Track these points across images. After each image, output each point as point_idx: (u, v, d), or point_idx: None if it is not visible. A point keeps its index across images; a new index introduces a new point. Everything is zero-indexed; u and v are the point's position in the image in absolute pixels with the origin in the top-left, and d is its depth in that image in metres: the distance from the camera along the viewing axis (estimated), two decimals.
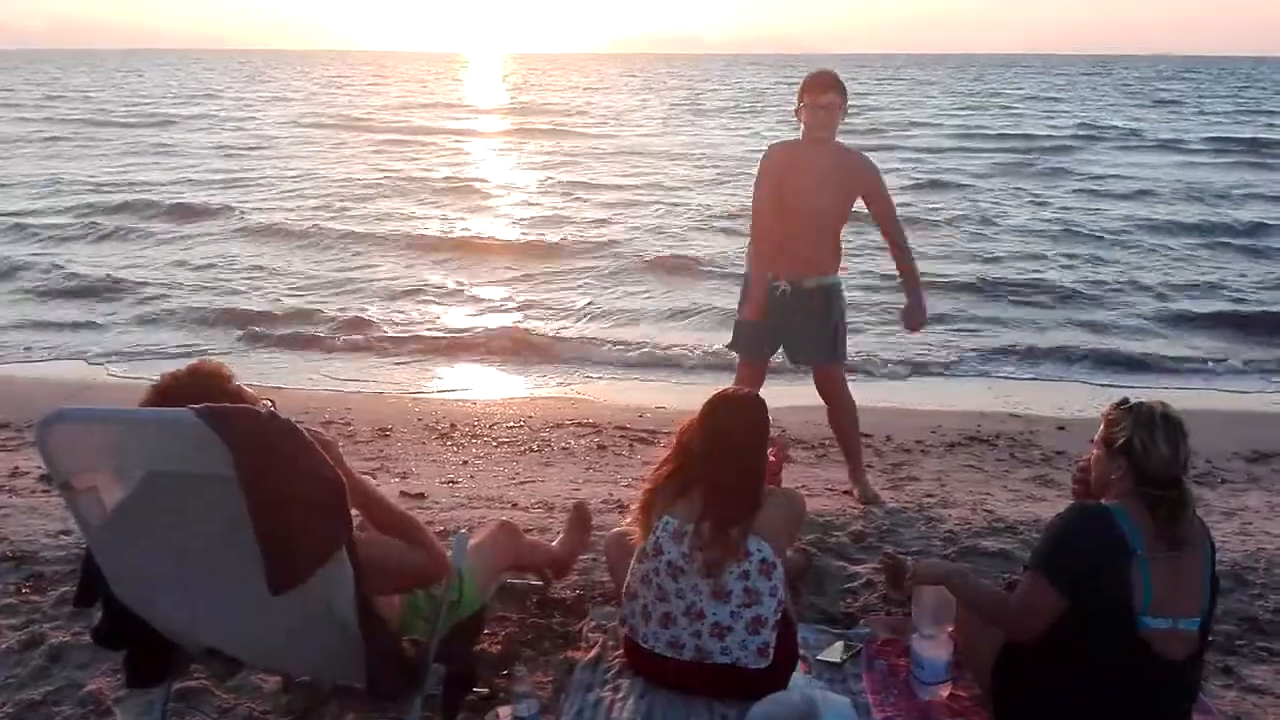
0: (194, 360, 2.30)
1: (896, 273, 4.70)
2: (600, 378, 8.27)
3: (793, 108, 4.53)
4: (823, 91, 4.33)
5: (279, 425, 2.00)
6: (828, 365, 4.65)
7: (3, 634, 3.23)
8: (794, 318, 4.47)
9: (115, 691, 2.90)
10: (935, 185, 19.54)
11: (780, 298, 4.44)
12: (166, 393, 2.15)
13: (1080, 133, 30.45)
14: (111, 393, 7.29)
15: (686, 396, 7.26)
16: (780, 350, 4.67)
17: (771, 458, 4.09)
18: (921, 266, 4.83)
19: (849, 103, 4.46)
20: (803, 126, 4.41)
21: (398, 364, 8.62)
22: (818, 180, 4.35)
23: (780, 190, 4.43)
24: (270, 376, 7.89)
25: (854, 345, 6.80)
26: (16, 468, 5.24)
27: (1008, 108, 44.00)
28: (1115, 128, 32.37)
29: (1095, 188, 19.37)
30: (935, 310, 8.22)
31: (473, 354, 8.89)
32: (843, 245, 4.64)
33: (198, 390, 2.10)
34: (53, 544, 3.95)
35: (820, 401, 4.78)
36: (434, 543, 2.44)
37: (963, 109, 43.10)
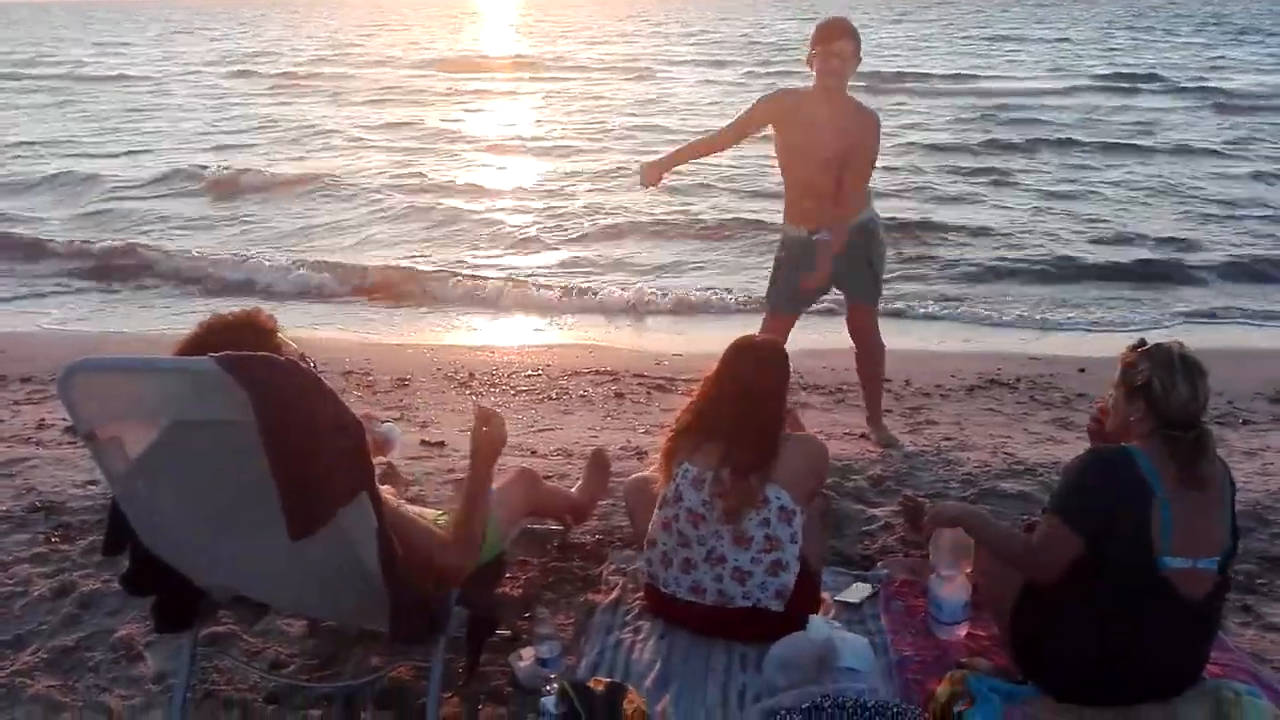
0: (247, 308, 2.31)
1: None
2: (617, 325, 8.32)
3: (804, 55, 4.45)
4: (835, 39, 4.22)
5: (299, 373, 2.01)
6: (863, 303, 4.65)
7: (34, 582, 3.29)
8: (839, 264, 4.41)
9: (145, 637, 2.96)
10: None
11: (824, 249, 4.40)
12: (207, 337, 2.16)
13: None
14: (134, 344, 7.34)
15: (704, 344, 7.26)
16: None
17: None
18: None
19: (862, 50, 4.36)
20: (815, 75, 4.34)
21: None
22: (833, 128, 4.27)
23: (789, 139, 4.40)
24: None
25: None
26: (43, 420, 5.31)
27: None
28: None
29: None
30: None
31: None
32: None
33: (237, 338, 2.10)
34: (80, 494, 4.01)
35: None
36: (465, 542, 2.44)
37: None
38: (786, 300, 4.61)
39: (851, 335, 4.76)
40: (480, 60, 37.69)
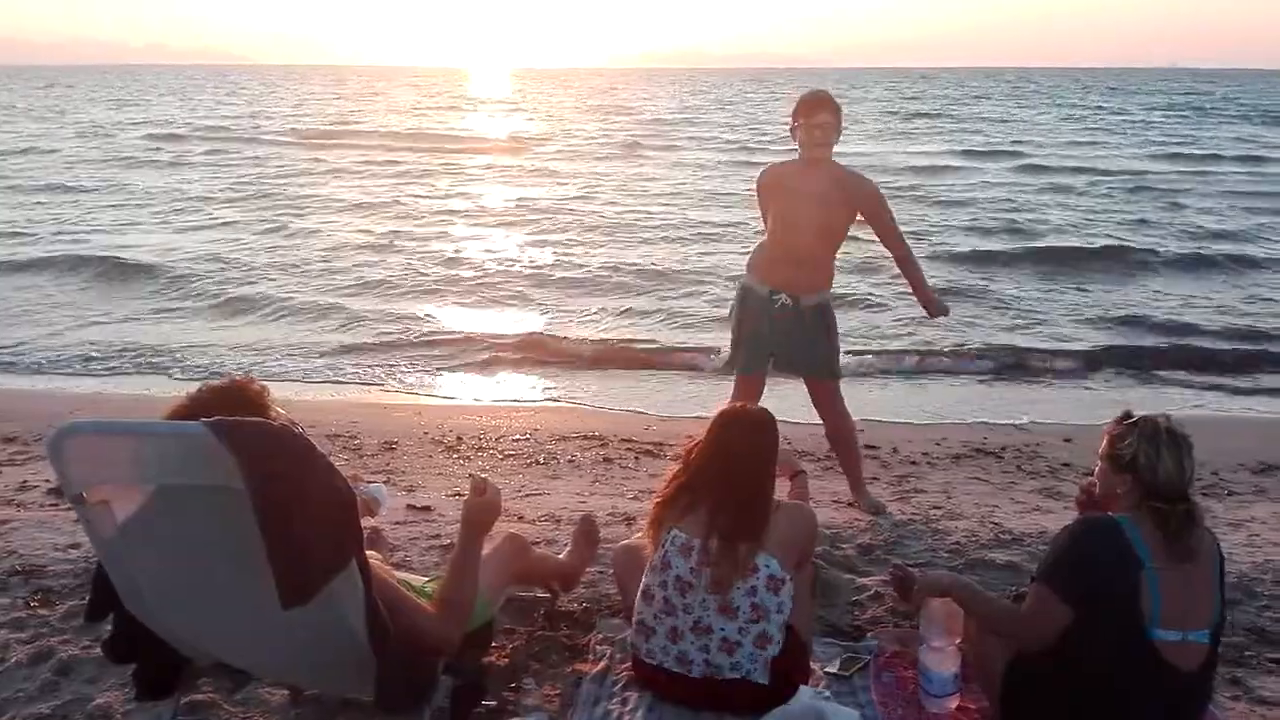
0: (235, 377, 2.32)
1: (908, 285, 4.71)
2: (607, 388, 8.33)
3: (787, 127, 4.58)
4: (816, 111, 4.38)
5: (291, 439, 2.01)
6: (825, 381, 4.68)
7: (11, 648, 3.24)
8: (792, 332, 4.50)
9: (124, 705, 2.90)
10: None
11: (780, 310, 4.47)
12: (197, 405, 2.16)
13: None
14: (116, 404, 7.31)
15: (692, 409, 7.27)
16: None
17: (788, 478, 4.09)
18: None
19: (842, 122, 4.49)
20: (799, 146, 4.46)
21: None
22: (815, 199, 4.39)
23: (779, 210, 4.50)
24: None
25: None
26: (25, 481, 5.25)
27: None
28: None
29: None
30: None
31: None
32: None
33: (226, 407, 2.10)
34: (61, 558, 3.95)
35: None
36: (452, 612, 2.43)
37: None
38: (754, 358, 4.64)
39: (819, 412, 4.79)
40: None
